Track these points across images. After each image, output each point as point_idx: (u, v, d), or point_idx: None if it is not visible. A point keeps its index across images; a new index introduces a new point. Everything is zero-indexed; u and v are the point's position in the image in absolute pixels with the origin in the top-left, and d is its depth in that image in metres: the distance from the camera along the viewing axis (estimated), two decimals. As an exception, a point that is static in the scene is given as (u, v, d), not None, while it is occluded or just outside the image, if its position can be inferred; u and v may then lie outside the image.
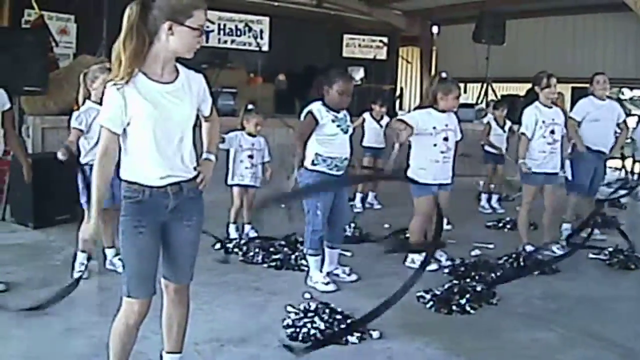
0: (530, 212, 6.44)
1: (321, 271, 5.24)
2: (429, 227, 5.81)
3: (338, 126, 5.06)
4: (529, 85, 6.64)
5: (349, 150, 5.22)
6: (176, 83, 2.91)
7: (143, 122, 2.82)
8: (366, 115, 8.73)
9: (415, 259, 5.80)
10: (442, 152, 5.69)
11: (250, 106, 6.71)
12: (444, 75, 6.11)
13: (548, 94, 6.25)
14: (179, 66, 2.97)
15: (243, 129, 6.50)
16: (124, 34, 2.76)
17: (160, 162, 2.89)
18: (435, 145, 5.67)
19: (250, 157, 6.47)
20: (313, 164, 5.07)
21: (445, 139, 5.71)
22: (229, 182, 6.52)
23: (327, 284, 5.13)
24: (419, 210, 5.79)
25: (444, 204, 5.81)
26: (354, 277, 5.38)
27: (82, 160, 4.96)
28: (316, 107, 5.06)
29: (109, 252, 5.38)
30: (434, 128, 5.66)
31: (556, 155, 6.30)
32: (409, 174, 5.81)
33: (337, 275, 5.34)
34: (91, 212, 2.95)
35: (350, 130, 5.26)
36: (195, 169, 3.05)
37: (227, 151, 6.46)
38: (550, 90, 6.24)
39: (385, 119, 8.64)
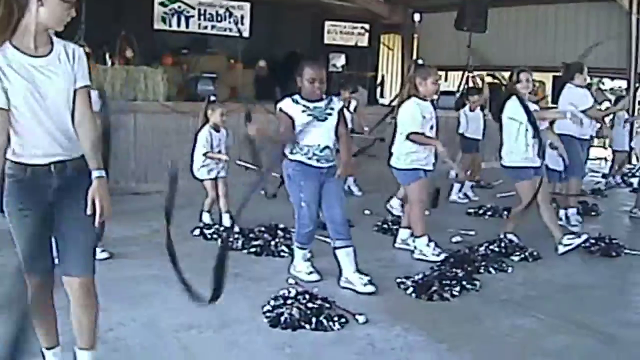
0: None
1: (307, 261, 5.09)
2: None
3: (309, 115, 4.83)
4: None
5: (329, 138, 4.94)
6: (50, 56, 2.77)
7: (20, 97, 2.68)
8: None
9: (403, 239, 5.80)
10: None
11: (212, 98, 6.95)
12: (420, 62, 6.06)
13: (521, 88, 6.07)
14: (54, 38, 2.84)
15: (207, 120, 6.55)
16: None
17: (41, 139, 2.75)
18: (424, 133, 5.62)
19: (219, 152, 6.57)
20: (292, 152, 4.92)
21: (432, 127, 5.66)
22: (199, 176, 6.53)
23: (309, 273, 5.00)
24: (413, 197, 5.71)
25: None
26: (371, 288, 4.78)
27: None
28: (284, 102, 4.89)
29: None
30: (424, 117, 5.59)
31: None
32: (392, 162, 5.76)
33: (351, 282, 4.83)
34: None
35: (330, 118, 4.95)
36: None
37: (194, 146, 6.52)
38: (522, 85, 6.08)
39: (353, 104, 8.68)
